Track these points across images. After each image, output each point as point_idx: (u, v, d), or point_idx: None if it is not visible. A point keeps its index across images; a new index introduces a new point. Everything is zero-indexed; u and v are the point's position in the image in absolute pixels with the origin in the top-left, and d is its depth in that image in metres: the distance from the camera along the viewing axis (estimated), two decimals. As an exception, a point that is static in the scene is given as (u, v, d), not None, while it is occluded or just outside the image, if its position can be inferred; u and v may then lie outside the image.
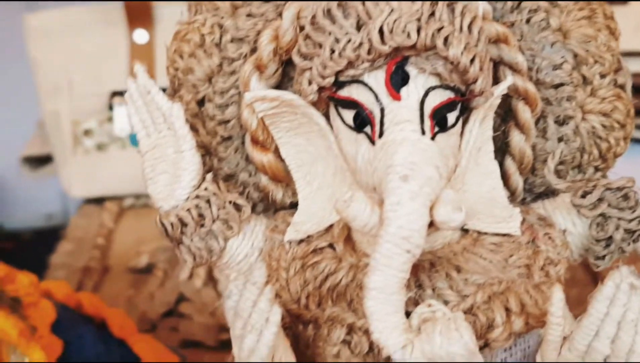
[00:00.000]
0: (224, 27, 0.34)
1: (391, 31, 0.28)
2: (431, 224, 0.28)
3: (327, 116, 0.31)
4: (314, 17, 0.30)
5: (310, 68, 0.30)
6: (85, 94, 0.74)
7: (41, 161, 0.82)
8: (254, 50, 0.34)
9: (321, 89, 0.30)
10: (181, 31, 0.35)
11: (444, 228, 0.27)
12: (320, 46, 0.29)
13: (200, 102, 0.35)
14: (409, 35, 0.28)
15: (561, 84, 0.32)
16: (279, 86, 0.33)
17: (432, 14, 0.28)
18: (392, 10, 0.28)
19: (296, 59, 0.31)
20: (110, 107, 0.73)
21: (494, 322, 0.28)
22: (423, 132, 0.28)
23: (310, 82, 0.30)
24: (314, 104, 0.31)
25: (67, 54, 0.74)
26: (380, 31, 0.28)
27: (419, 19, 0.28)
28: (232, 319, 0.28)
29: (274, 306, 0.27)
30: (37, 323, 0.40)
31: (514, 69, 0.31)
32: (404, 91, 0.29)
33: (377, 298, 0.27)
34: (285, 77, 0.33)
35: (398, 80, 0.29)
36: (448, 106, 0.29)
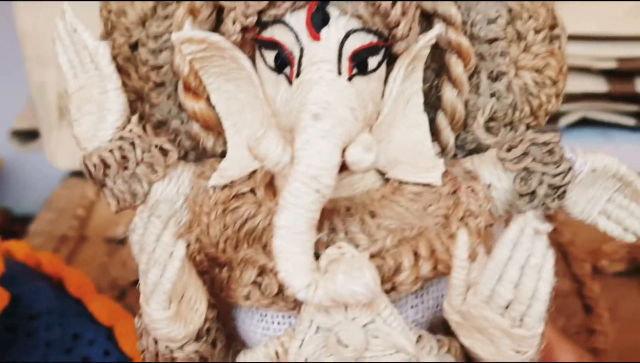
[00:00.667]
0: None
1: None
2: (347, 169, 0.27)
3: (253, 60, 0.31)
4: None
5: (235, 8, 0.29)
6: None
7: (31, 135, 0.83)
8: (187, -8, 0.33)
9: (245, 29, 0.29)
10: None
11: (355, 169, 0.27)
12: None
13: (133, 47, 0.34)
14: None
15: (495, 39, 0.31)
16: (213, 32, 0.33)
17: None
18: None
19: None
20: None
21: (401, 266, 0.28)
22: (340, 73, 0.28)
23: (234, 22, 0.29)
24: (241, 47, 0.30)
25: (54, 26, 0.74)
26: None
27: None
28: (137, 253, 0.28)
29: (178, 241, 0.27)
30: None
31: (448, 22, 0.31)
32: (324, 31, 0.28)
33: (285, 237, 0.26)
34: (220, 23, 0.33)
35: (318, 20, 0.28)
36: (369, 50, 0.29)
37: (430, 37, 0.30)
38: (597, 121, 0.83)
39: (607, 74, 0.78)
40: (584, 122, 0.84)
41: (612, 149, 0.81)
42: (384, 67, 0.30)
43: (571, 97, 0.81)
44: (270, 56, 0.29)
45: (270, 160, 0.27)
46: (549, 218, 0.54)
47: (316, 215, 0.27)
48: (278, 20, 0.29)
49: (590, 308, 0.56)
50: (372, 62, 0.29)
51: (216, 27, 0.33)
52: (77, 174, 0.76)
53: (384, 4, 0.28)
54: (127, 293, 0.59)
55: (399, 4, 0.28)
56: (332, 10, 0.28)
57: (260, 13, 0.29)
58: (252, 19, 0.29)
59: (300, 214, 0.26)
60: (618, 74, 0.77)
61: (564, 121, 0.83)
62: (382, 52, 0.29)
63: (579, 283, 0.58)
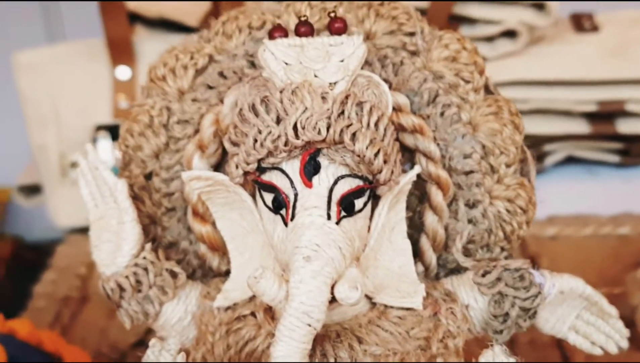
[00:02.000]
0: (171, 110, 0.39)
1: (304, 128, 0.31)
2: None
3: (254, 196, 0.35)
4: (241, 110, 0.33)
5: (237, 154, 0.33)
6: (71, 128, 0.77)
7: (35, 189, 0.86)
8: (197, 131, 0.38)
9: (246, 173, 0.33)
10: (133, 112, 0.39)
11: (343, 304, 0.31)
12: (246, 135, 0.33)
13: (148, 176, 0.38)
14: (319, 132, 0.31)
15: (471, 171, 0.35)
16: (219, 164, 0.37)
17: (342, 112, 0.32)
18: (305, 109, 0.31)
19: (226, 145, 0.34)
20: (94, 140, 0.77)
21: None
22: (329, 217, 0.31)
23: (237, 167, 0.33)
24: (243, 185, 0.34)
25: (54, 89, 0.77)
26: (295, 127, 0.31)
27: (329, 117, 0.31)
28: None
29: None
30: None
31: (428, 157, 0.35)
32: (315, 179, 0.32)
33: (280, 366, 0.30)
34: (226, 155, 0.37)
35: (310, 169, 0.32)
36: (356, 193, 0.33)
37: (410, 176, 0.33)
38: (583, 159, 0.87)
39: (589, 116, 0.81)
40: (570, 160, 0.87)
41: (597, 186, 0.84)
42: (369, 205, 0.33)
43: (556, 138, 0.84)
44: (268, 197, 0.33)
45: (267, 297, 0.31)
46: (534, 264, 0.57)
47: (308, 345, 0.30)
48: (275, 167, 0.32)
49: (568, 358, 0.59)
50: (359, 203, 0.32)
51: (222, 157, 0.37)
52: (79, 231, 0.79)
53: (367, 154, 0.31)
54: (127, 356, 0.61)
55: (381, 153, 0.31)
56: (323, 160, 0.33)
57: (259, 160, 0.33)
58: (253, 166, 0.32)
59: (295, 345, 0.30)
60: (599, 116, 0.81)
61: (550, 160, 0.86)
62: (367, 193, 0.33)
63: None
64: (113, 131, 0.76)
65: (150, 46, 0.77)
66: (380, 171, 0.32)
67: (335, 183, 0.32)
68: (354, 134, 0.31)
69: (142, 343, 0.61)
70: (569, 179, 0.86)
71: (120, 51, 0.76)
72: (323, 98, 0.32)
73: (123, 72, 0.77)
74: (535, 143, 0.85)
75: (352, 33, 0.35)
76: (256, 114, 0.33)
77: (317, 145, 0.32)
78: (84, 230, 0.77)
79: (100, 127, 0.76)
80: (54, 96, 0.77)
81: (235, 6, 0.74)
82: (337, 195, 0.32)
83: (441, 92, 0.36)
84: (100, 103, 0.77)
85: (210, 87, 0.39)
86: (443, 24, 0.75)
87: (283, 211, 0.33)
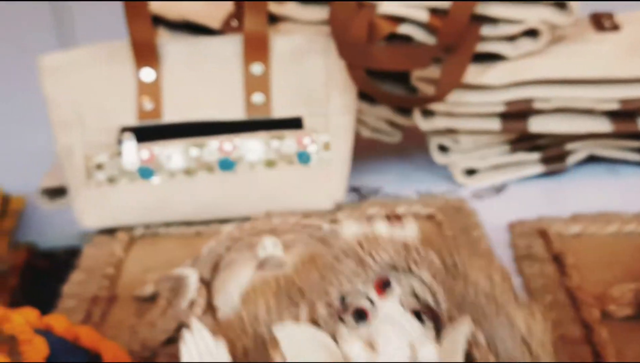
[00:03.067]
0: None
1: None
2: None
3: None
4: None
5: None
6: (96, 130, 0.78)
7: (59, 191, 0.87)
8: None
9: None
10: None
11: None
12: None
13: None
14: None
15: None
16: None
17: None
18: None
19: None
20: (119, 142, 0.77)
21: None
22: None
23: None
24: None
25: (78, 92, 0.78)
26: None
27: None
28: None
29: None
30: (32, 358, 0.45)
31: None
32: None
33: None
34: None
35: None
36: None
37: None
38: (604, 157, 0.87)
39: (611, 115, 0.81)
40: (591, 159, 0.87)
41: (620, 184, 0.84)
42: None
43: (577, 137, 0.84)
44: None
45: None
46: (559, 261, 0.58)
47: None
48: None
49: (600, 355, 0.59)
50: None
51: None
52: (105, 232, 0.80)
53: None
54: (158, 354, 0.62)
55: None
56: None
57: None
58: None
59: None
60: (621, 114, 0.81)
61: (571, 160, 0.86)
62: None
63: (588, 330, 0.61)
64: (137, 133, 0.77)
65: (173, 48, 0.78)
66: None
67: None
68: None
69: (172, 341, 0.62)
70: (591, 178, 0.87)
71: (145, 53, 0.77)
72: None
73: (147, 74, 0.77)
74: (557, 142, 0.85)
75: None
76: None
77: None
78: (109, 231, 0.79)
79: (125, 129, 0.77)
80: (78, 99, 0.78)
81: (257, 8, 0.76)
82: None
83: None
84: (125, 105, 0.78)
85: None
86: (465, 23, 0.76)
87: None
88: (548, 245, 0.70)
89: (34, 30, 2.18)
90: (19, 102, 2.30)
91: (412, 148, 0.93)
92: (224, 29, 0.85)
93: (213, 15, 0.87)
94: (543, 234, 0.72)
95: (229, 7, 0.89)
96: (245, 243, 0.67)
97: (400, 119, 0.88)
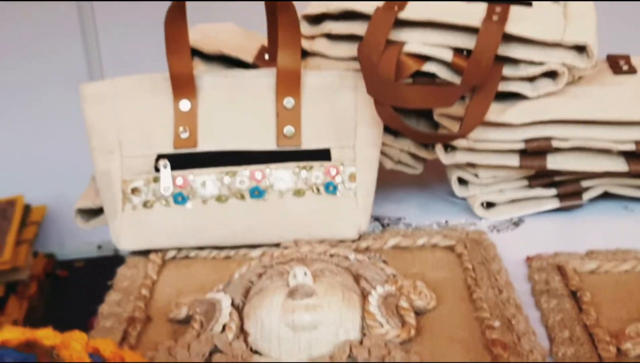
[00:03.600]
0: None
1: None
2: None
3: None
4: None
5: None
6: (134, 156, 0.81)
7: (94, 212, 0.90)
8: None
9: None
10: None
11: None
12: None
13: None
14: None
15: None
16: None
17: None
18: None
19: None
20: (156, 169, 0.81)
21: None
22: None
23: None
24: None
25: (119, 121, 0.82)
26: None
27: None
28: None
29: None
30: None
31: None
32: None
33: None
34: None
35: None
36: None
37: None
38: (619, 195, 0.90)
39: (627, 155, 0.85)
40: (607, 196, 0.90)
41: (634, 221, 0.87)
42: None
43: (594, 175, 0.87)
44: None
45: None
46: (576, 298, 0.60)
47: None
48: None
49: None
50: None
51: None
52: (139, 253, 0.83)
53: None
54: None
55: None
56: None
57: None
58: None
59: None
60: (637, 155, 0.84)
61: (587, 196, 0.89)
62: None
63: (605, 368, 0.63)
64: (173, 160, 0.81)
65: (210, 80, 0.82)
66: None
67: None
68: None
69: (207, 363, 0.65)
70: (606, 214, 0.90)
71: (183, 85, 0.81)
72: None
73: (184, 104, 0.81)
74: (574, 179, 0.89)
75: None
76: None
77: None
78: (143, 253, 0.83)
79: (161, 156, 0.81)
80: (118, 127, 0.81)
81: (291, 45, 0.79)
82: None
83: None
84: (162, 134, 0.81)
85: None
86: (489, 64, 0.79)
87: None
88: (565, 281, 0.73)
89: (58, 32, 2.21)
90: (38, 112, 2.34)
91: (433, 180, 0.97)
92: (257, 62, 0.88)
93: (246, 48, 0.91)
94: (560, 270, 0.75)
95: (261, 41, 0.93)
96: (276, 271, 0.70)
97: (422, 153, 0.91)
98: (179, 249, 0.83)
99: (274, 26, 0.82)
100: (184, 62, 0.80)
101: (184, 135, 0.81)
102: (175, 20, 0.78)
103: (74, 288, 1.92)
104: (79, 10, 2.14)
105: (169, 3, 0.76)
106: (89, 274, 1.89)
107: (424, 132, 0.87)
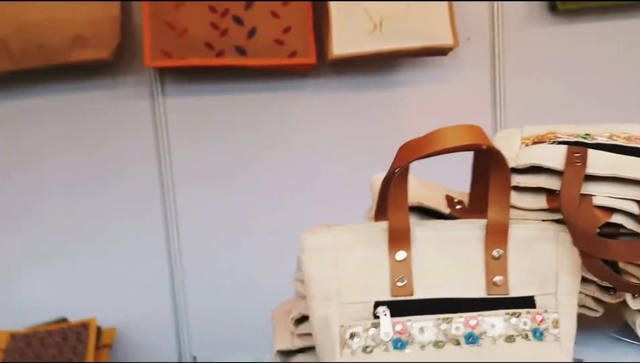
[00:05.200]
0: None
1: None
2: None
3: None
4: None
5: None
6: (353, 303, 0.87)
7: (291, 353, 0.95)
8: None
9: None
10: None
11: None
12: None
13: None
14: None
15: None
16: None
17: None
18: None
19: None
20: (375, 316, 0.86)
21: None
22: None
23: None
24: None
25: (338, 271, 0.88)
26: None
27: None
28: None
29: None
30: None
31: None
32: None
33: None
34: None
35: None
36: None
37: None
38: None
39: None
40: None
41: None
42: None
43: None
44: None
45: None
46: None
47: None
48: None
49: None
50: None
51: None
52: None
53: None
54: None
55: None
56: None
57: None
58: None
59: None
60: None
61: None
62: None
63: None
64: (390, 307, 0.87)
65: (422, 233, 0.89)
66: None
67: None
68: None
69: None
70: None
71: (400, 237, 0.87)
72: None
73: (400, 255, 0.88)
74: None
75: None
76: None
77: None
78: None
79: (379, 303, 0.87)
80: (337, 276, 0.87)
81: (500, 201, 0.87)
82: None
83: None
84: (379, 282, 0.87)
85: None
86: None
87: None
88: None
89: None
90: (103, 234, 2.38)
91: (609, 320, 1.01)
92: (453, 213, 0.96)
93: (435, 199, 0.98)
94: None
95: (439, 191, 1.01)
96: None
97: (607, 297, 0.97)
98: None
99: (479, 175, 0.90)
100: (403, 218, 0.87)
101: (400, 283, 0.87)
102: (402, 181, 0.85)
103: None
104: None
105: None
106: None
107: (634, 284, 0.92)
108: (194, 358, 2.30)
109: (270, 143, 2.25)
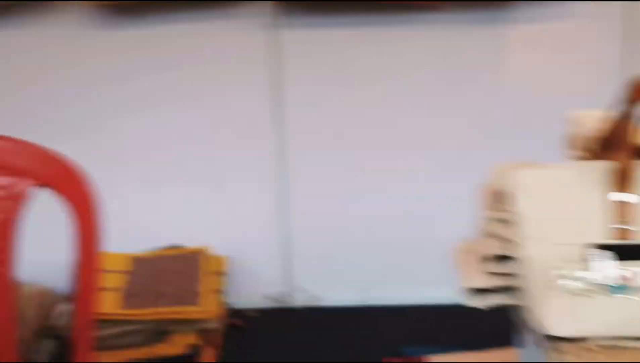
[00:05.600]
0: None
1: None
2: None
3: None
4: None
5: None
6: (566, 244, 0.85)
7: (483, 291, 0.94)
8: None
9: None
10: None
11: None
12: None
13: None
14: None
15: None
16: None
17: None
18: None
19: None
20: (587, 259, 0.84)
21: None
22: None
23: None
24: None
25: (548, 209, 0.85)
26: None
27: None
28: None
29: None
30: None
31: None
32: None
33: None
34: None
35: None
36: None
37: None
38: None
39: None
40: None
41: None
42: None
43: None
44: None
45: None
46: None
47: None
48: None
49: None
50: None
51: None
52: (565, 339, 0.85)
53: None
54: None
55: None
56: None
57: None
58: None
59: None
60: None
61: None
62: None
63: None
64: (610, 250, 0.84)
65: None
66: None
67: None
68: None
69: None
70: None
71: (621, 179, 0.84)
72: None
73: (620, 197, 0.84)
74: None
75: None
76: None
77: None
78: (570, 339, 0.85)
79: (593, 246, 0.84)
80: (550, 215, 0.85)
81: None
82: None
83: None
84: (591, 224, 0.84)
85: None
86: None
87: None
88: None
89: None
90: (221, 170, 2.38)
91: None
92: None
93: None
94: None
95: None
96: None
97: None
98: (608, 338, 0.85)
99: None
100: (626, 159, 0.83)
101: (619, 226, 0.84)
102: (629, 121, 0.81)
103: (249, 335, 2.00)
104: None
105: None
106: (263, 324, 1.98)
107: None
108: (305, 290, 2.32)
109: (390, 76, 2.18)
